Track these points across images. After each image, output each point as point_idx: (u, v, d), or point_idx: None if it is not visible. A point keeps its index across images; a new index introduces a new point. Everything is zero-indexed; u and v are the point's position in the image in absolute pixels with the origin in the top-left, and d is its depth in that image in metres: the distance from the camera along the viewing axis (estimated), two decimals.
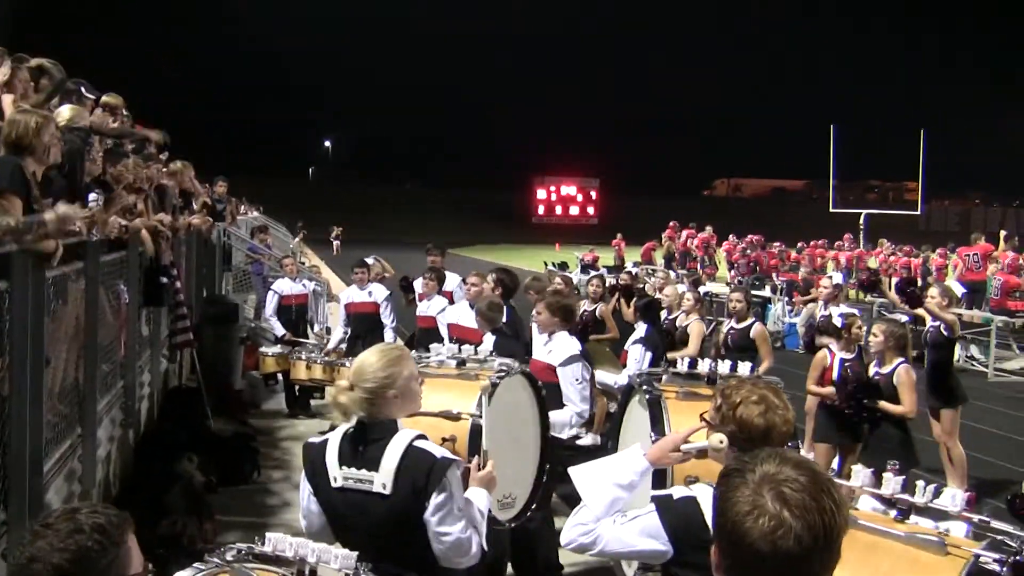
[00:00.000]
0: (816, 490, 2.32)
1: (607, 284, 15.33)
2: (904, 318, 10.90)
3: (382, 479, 4.43)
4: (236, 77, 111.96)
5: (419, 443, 4.56)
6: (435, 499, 4.44)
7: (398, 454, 4.48)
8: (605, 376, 11.25)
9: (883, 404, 9.55)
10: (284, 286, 15.73)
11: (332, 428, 4.88)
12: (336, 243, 62.00)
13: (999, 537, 3.41)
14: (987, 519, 3.60)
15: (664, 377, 7.01)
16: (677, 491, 4.12)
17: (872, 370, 9.84)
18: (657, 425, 6.16)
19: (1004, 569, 3.21)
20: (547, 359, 8.34)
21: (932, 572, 3.16)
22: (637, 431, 6.62)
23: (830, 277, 15.10)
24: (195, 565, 3.56)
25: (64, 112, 8.64)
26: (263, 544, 3.66)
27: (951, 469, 11.03)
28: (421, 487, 4.43)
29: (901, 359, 9.61)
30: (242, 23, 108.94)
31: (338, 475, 4.49)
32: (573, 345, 8.39)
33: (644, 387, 6.69)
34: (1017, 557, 3.29)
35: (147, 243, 9.71)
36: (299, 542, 3.65)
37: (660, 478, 5.49)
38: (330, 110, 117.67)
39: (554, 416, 7.61)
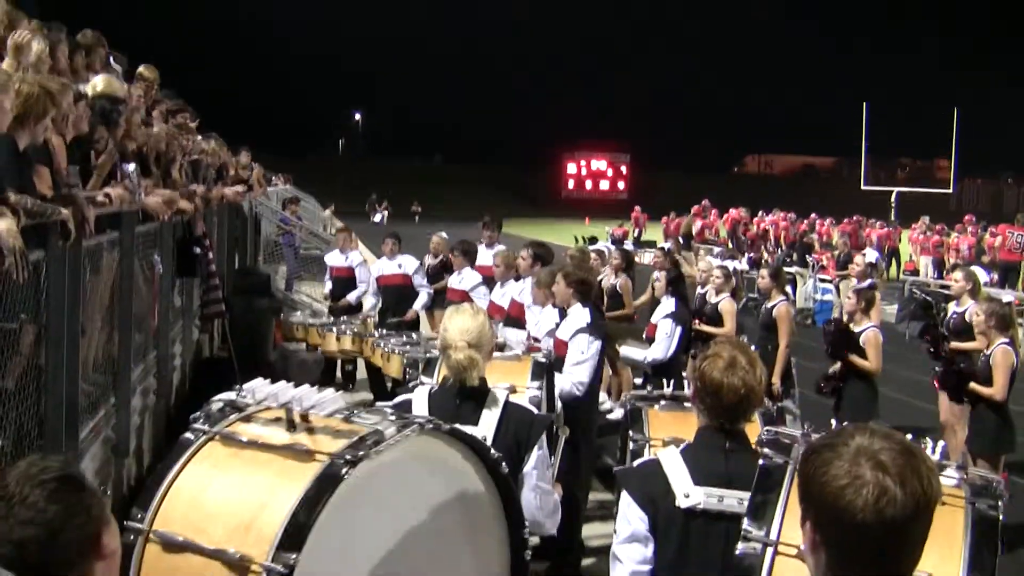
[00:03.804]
0: (911, 457, 2.29)
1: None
2: (1009, 297, 10.73)
3: (482, 431, 4.50)
4: (266, 51, 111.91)
5: (514, 398, 4.76)
6: (536, 452, 4.59)
7: (498, 408, 4.61)
8: (632, 351, 11.22)
9: (974, 386, 9.45)
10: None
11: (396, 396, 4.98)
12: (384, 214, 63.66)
13: (977, 483, 3.45)
14: (963, 466, 3.63)
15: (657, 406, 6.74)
16: (639, 460, 4.35)
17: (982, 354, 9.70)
18: (636, 425, 6.12)
19: (1001, 515, 3.25)
20: (560, 333, 8.33)
21: (939, 521, 3.16)
22: None
23: (863, 255, 14.99)
24: (185, 436, 3.46)
25: (98, 83, 8.66)
26: (243, 395, 3.56)
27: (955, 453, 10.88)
28: (523, 439, 4.56)
29: (1003, 339, 9.40)
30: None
31: None
32: (582, 318, 8.29)
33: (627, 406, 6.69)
34: (1002, 500, 3.35)
35: (187, 210, 9.74)
36: (278, 388, 3.55)
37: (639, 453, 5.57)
38: (361, 84, 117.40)
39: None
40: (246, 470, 3.24)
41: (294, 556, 2.91)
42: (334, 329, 13.38)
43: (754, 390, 4.03)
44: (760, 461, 3.43)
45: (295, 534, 2.94)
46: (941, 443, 3.94)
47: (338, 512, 3.07)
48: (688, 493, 3.83)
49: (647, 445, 5.64)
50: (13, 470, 2.58)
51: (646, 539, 3.84)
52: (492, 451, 3.73)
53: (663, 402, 6.43)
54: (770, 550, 3.06)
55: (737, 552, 3.17)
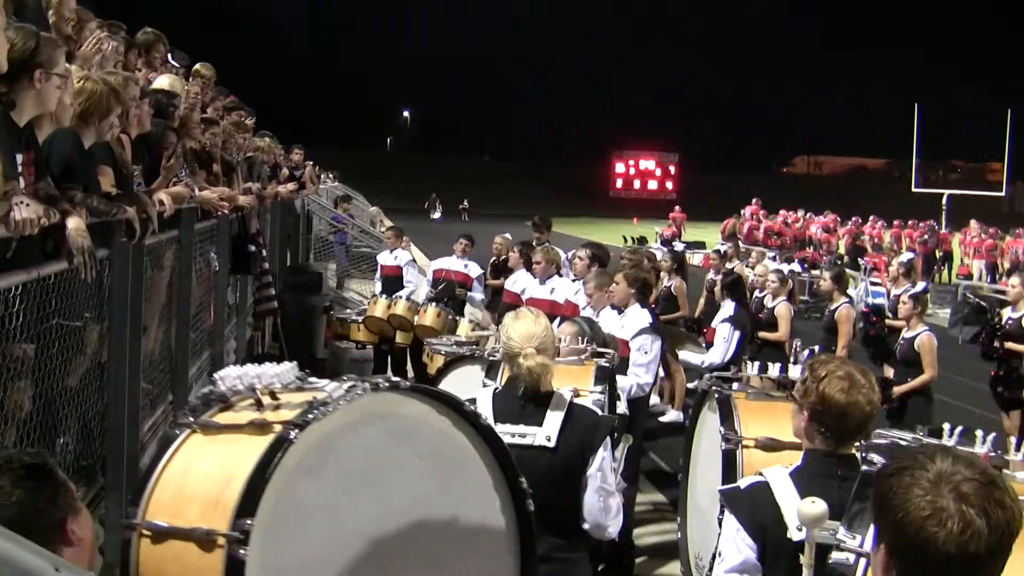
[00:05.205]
0: (993, 487, 2.22)
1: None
2: None
3: (546, 432, 4.52)
4: (317, 47, 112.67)
5: (579, 400, 4.75)
6: (601, 454, 4.56)
7: (563, 409, 4.58)
8: (690, 356, 11.20)
9: None
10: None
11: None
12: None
13: None
14: None
15: (736, 385, 6.21)
16: (745, 480, 4.10)
17: None
18: (727, 421, 5.60)
19: None
20: (621, 334, 8.27)
21: None
22: (711, 437, 6.00)
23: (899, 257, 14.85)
24: (171, 431, 3.51)
25: (163, 82, 8.69)
26: (216, 385, 3.61)
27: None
28: (588, 441, 4.54)
29: None
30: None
31: None
32: (643, 318, 8.36)
33: (714, 388, 6.10)
34: None
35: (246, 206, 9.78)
36: (243, 371, 3.60)
37: (730, 473, 5.22)
38: (409, 81, 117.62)
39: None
40: (219, 451, 3.33)
41: (249, 521, 2.99)
42: (388, 298, 13.44)
43: (876, 407, 3.90)
44: (863, 467, 3.34)
45: (249, 500, 3.03)
46: (992, 435, 3.82)
47: (296, 476, 3.15)
48: (801, 526, 3.63)
49: (739, 445, 5.32)
50: None
51: (755, 568, 3.73)
52: (465, 403, 3.60)
53: (750, 390, 5.99)
54: (863, 561, 2.94)
55: (830, 561, 3.08)
